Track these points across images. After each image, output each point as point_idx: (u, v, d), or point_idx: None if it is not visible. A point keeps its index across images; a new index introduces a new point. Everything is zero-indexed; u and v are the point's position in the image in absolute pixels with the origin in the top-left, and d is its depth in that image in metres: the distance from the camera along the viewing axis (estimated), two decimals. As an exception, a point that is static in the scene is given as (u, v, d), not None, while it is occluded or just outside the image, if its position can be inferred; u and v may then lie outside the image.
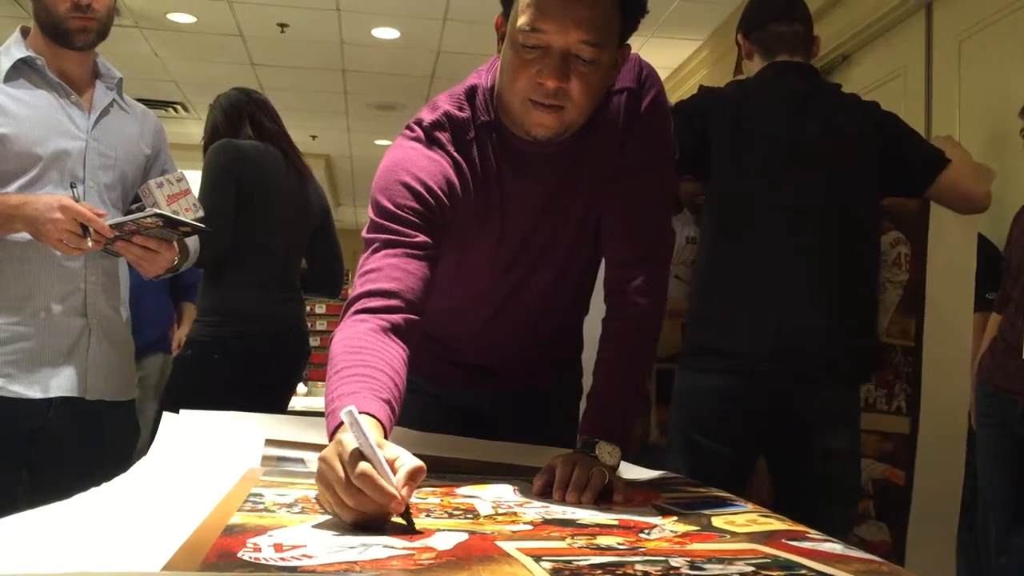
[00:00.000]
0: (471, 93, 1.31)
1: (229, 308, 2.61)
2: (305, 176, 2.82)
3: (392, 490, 0.86)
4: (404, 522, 0.88)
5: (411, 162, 1.25)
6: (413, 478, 0.89)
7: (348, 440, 0.90)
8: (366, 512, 0.87)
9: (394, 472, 0.89)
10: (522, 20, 1.16)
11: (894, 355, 2.02)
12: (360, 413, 0.98)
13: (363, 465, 0.87)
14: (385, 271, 1.19)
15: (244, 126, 2.71)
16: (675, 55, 5.93)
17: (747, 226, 1.87)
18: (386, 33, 5.80)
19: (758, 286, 1.83)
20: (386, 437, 1.03)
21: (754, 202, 1.86)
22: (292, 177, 2.74)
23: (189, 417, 1.34)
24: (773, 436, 1.88)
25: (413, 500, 1.07)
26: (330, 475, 0.89)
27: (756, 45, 2.01)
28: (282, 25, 5.69)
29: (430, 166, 1.25)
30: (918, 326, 1.99)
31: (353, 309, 1.17)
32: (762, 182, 1.86)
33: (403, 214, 1.22)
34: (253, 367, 2.56)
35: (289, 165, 2.75)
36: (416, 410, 1.44)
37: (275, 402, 2.58)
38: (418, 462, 0.91)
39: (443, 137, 1.28)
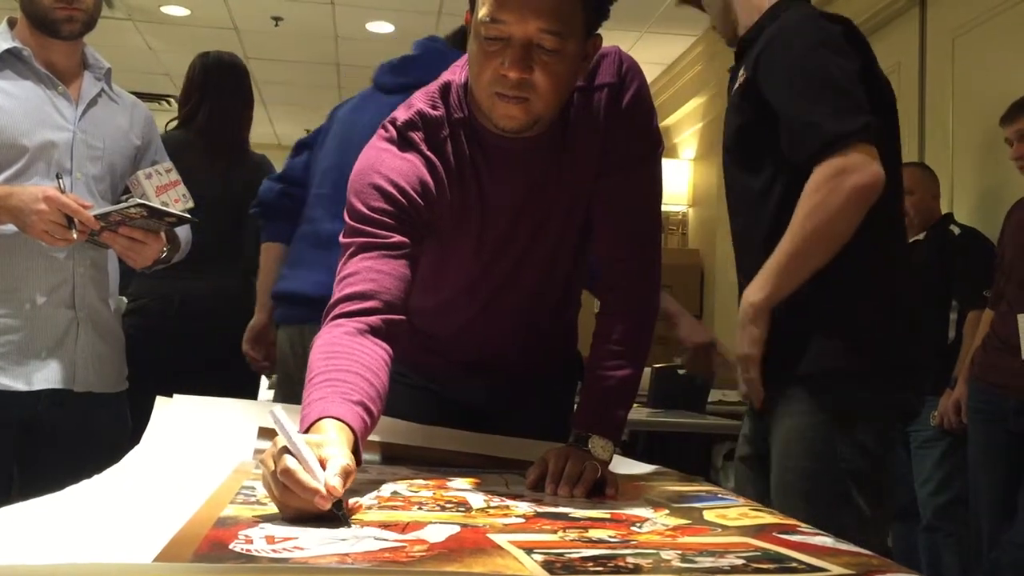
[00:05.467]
0: (445, 90, 1.31)
1: (135, 292, 2.57)
2: (228, 159, 2.68)
3: (316, 485, 0.85)
4: (338, 516, 0.87)
5: (384, 164, 1.25)
6: (343, 475, 0.88)
7: (281, 441, 0.90)
8: (295, 507, 0.87)
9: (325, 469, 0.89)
10: (483, 12, 1.16)
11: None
12: (326, 418, 0.99)
13: (287, 461, 0.87)
14: (361, 274, 1.19)
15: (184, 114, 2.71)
16: (670, 51, 5.93)
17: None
18: (380, 27, 5.79)
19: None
20: (363, 436, 1.03)
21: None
22: (207, 161, 2.60)
23: (182, 403, 1.34)
24: None
25: (405, 493, 1.07)
26: (265, 473, 0.91)
27: None
28: (276, 19, 5.68)
29: (403, 166, 1.25)
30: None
31: (331, 315, 1.17)
32: None
33: (377, 216, 1.21)
34: (165, 346, 2.47)
35: (206, 149, 2.63)
36: (410, 403, 1.44)
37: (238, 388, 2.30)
38: (346, 461, 0.90)
39: (416, 137, 1.28)
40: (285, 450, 0.89)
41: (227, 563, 0.70)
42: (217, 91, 2.71)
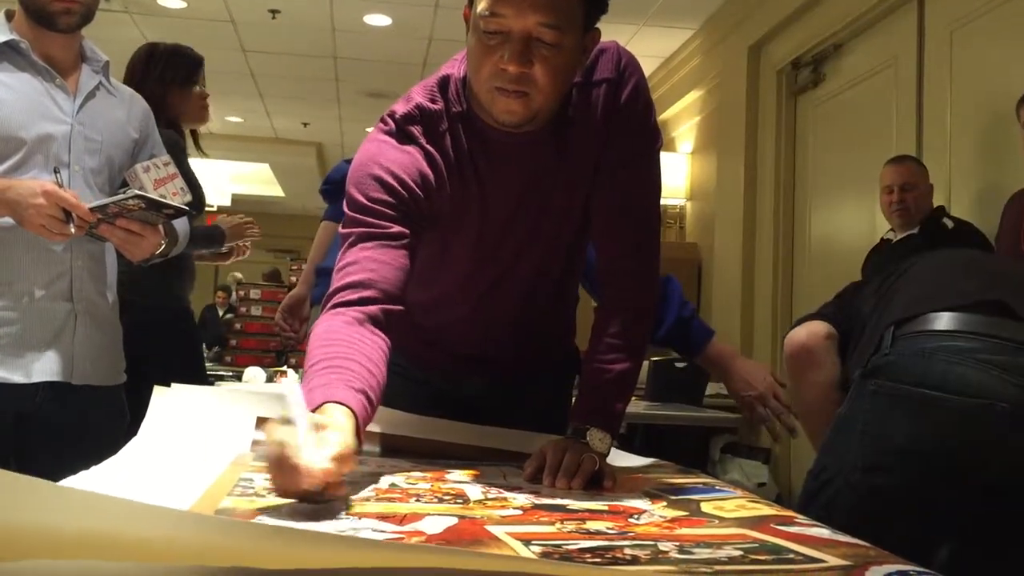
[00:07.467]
0: (444, 83, 1.31)
1: None
2: None
3: (304, 465, 0.85)
4: (324, 499, 0.87)
5: (383, 155, 1.25)
6: (337, 460, 0.88)
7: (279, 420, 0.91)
8: (284, 487, 0.87)
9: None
10: (481, 6, 1.16)
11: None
12: (331, 403, 0.99)
13: (280, 441, 0.87)
14: (361, 263, 1.19)
15: None
16: (667, 44, 5.92)
17: None
18: (378, 20, 5.77)
19: None
20: (363, 425, 1.03)
21: None
22: None
23: (179, 392, 1.34)
24: None
25: (403, 485, 1.07)
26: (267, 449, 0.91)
27: None
28: (273, 11, 5.66)
29: (402, 159, 1.25)
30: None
31: (330, 304, 1.18)
32: None
33: (376, 207, 1.22)
34: None
35: None
36: (408, 395, 1.44)
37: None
38: (340, 448, 0.89)
39: (415, 130, 1.28)
40: (283, 432, 0.88)
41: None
42: (134, 72, 2.75)
